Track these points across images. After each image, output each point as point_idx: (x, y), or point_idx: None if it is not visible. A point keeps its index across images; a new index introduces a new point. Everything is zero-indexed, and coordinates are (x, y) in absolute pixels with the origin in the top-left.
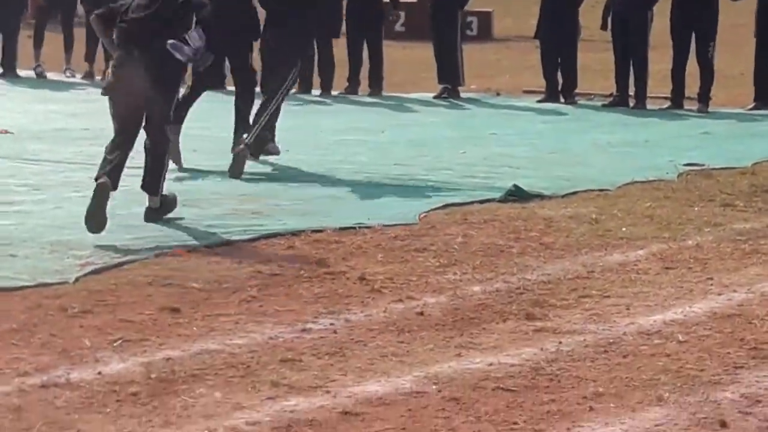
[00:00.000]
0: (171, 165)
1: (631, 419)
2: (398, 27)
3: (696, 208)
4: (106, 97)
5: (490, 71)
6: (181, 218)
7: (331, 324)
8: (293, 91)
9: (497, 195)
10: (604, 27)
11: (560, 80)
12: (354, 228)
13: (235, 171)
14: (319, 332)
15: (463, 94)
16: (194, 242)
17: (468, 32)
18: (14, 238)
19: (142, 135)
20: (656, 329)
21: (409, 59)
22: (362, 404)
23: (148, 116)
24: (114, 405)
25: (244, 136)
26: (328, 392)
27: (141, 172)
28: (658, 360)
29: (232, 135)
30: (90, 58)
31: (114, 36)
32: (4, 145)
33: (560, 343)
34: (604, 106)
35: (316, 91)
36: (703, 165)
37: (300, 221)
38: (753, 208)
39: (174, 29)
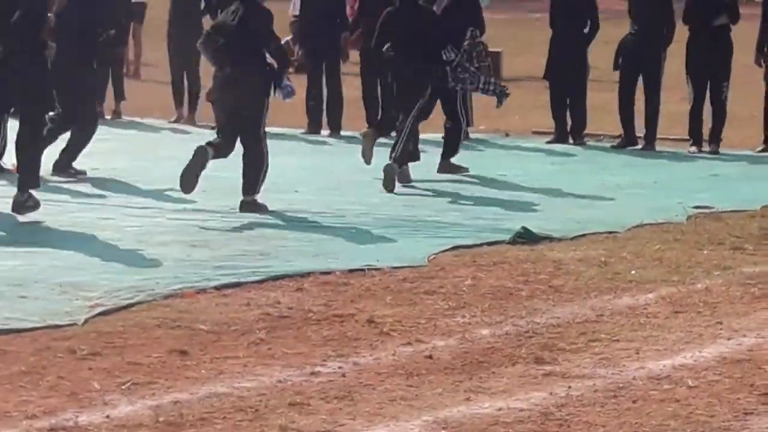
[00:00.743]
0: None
1: None
2: None
3: (705, 251)
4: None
5: (500, 111)
6: (189, 259)
7: (340, 367)
8: (302, 131)
9: (506, 237)
10: (616, 67)
11: (569, 121)
12: (363, 270)
13: (387, 185)
14: (327, 375)
15: (472, 135)
16: (203, 284)
17: None
18: (24, 279)
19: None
20: (666, 374)
21: None
22: None
23: (242, 126)
24: None
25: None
26: None
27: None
28: (668, 405)
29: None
30: (100, 97)
31: (213, 54)
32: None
33: (569, 387)
34: (612, 147)
35: (325, 131)
36: (713, 207)
37: (308, 263)
38: (762, 252)
39: (258, 47)
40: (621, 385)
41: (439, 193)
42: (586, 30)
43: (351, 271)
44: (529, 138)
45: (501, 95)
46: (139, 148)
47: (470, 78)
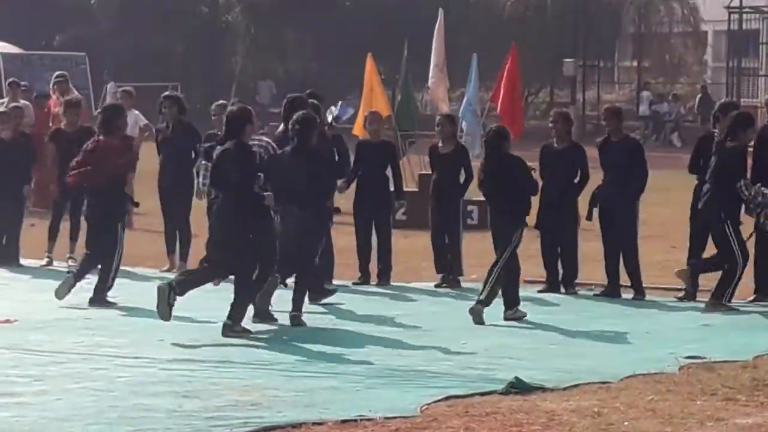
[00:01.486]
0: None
1: None
2: (399, 215)
3: (698, 402)
4: None
5: (491, 260)
6: (181, 410)
7: None
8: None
9: (499, 387)
10: (589, 218)
11: (561, 270)
12: (355, 420)
13: (476, 321)
14: None
15: (463, 284)
16: None
17: (469, 221)
18: None
19: None
20: None
21: (410, 248)
22: None
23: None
24: None
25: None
26: None
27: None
28: None
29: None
30: None
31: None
32: (5, 335)
33: None
34: (595, 296)
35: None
36: (705, 358)
37: (300, 413)
38: (755, 402)
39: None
40: None
41: (431, 342)
42: (576, 180)
43: (344, 421)
44: (520, 287)
45: None
46: (130, 297)
47: None
